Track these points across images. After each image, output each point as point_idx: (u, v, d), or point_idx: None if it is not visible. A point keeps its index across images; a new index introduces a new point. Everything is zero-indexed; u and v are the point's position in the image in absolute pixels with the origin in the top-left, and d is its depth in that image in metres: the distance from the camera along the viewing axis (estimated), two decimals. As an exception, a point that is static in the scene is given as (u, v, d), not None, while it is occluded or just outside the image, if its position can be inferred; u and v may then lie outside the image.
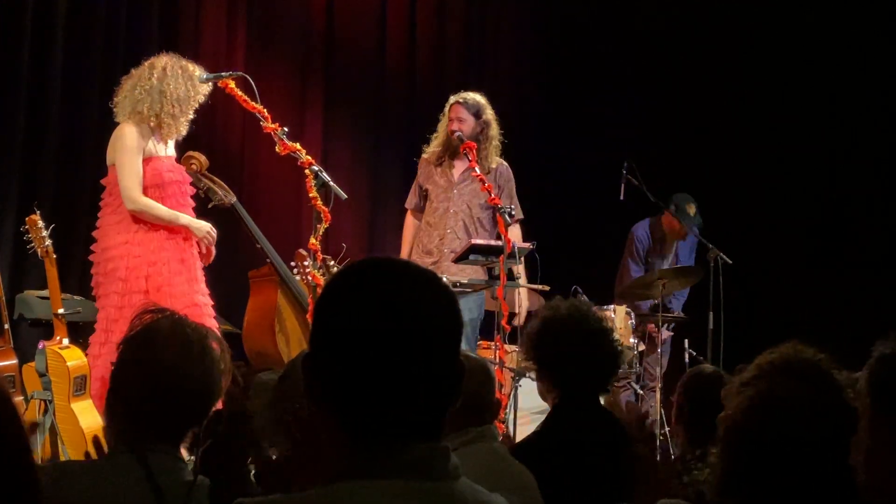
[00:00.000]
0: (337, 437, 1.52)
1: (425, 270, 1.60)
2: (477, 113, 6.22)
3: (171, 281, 5.17)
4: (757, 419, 1.92)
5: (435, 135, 6.41)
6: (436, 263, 6.06)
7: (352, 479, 1.47)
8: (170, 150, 5.36)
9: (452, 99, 6.32)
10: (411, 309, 1.51)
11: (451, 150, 6.25)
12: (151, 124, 5.21)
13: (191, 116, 5.33)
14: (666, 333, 7.31)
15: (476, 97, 6.30)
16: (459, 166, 6.27)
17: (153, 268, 5.14)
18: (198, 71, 5.35)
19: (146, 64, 5.30)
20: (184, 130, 5.35)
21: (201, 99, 5.37)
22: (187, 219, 5.32)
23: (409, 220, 6.56)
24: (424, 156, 6.45)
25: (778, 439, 1.89)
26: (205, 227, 5.37)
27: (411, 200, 6.54)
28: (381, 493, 1.46)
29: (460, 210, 6.23)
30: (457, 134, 6.12)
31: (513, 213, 5.62)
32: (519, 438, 5.43)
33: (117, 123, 5.28)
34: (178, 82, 5.21)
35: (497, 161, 6.28)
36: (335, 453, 1.53)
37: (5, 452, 1.16)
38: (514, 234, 6.20)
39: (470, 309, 5.96)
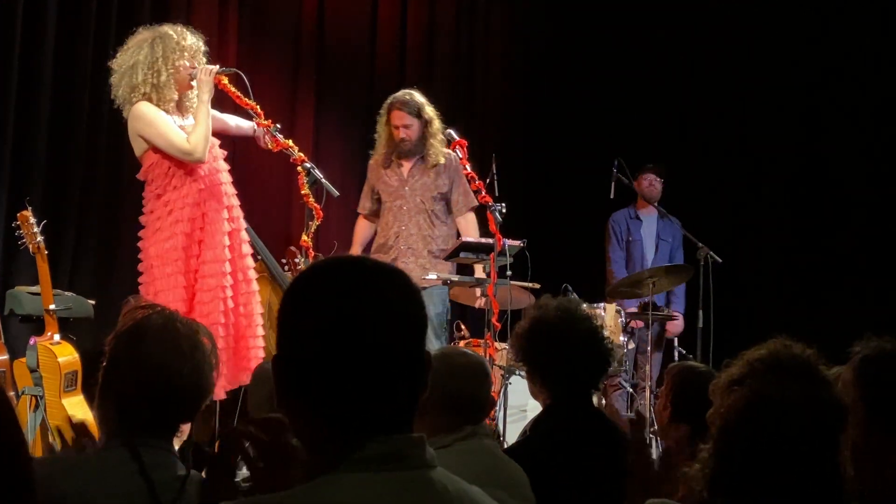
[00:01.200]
0: (312, 435, 1.54)
1: (387, 265, 1.63)
2: (419, 113, 6.18)
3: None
4: (751, 419, 1.93)
5: (376, 135, 6.38)
6: (394, 260, 6.03)
7: (331, 474, 1.49)
8: (188, 120, 5.13)
9: (391, 102, 6.26)
10: (375, 303, 1.53)
11: (398, 151, 6.26)
12: (152, 100, 5.00)
13: (181, 75, 5.04)
14: (677, 325, 7.36)
15: (414, 96, 6.24)
16: (407, 164, 6.28)
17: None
18: (167, 28, 5.10)
19: (129, 42, 5.12)
20: (176, 95, 5.06)
21: (186, 52, 5.07)
22: (207, 95, 5.04)
23: (362, 223, 6.57)
24: (371, 161, 6.44)
25: (771, 438, 1.90)
26: (207, 80, 5.06)
27: (364, 205, 6.52)
28: (360, 485, 1.47)
29: (414, 205, 6.24)
30: (406, 142, 6.17)
31: (503, 210, 5.60)
32: (508, 436, 5.46)
33: (120, 118, 5.19)
34: (139, 49, 4.98)
35: (444, 154, 6.23)
36: (311, 451, 1.55)
37: (1, 445, 1.17)
38: (470, 221, 6.27)
39: (434, 304, 6.00)
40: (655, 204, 7.62)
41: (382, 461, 1.50)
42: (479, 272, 6.01)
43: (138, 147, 5.05)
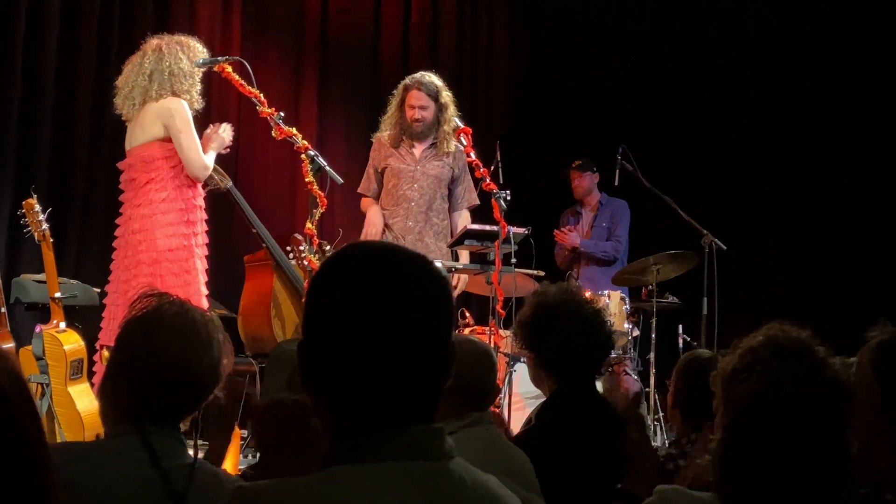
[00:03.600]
0: (333, 422, 1.53)
1: (415, 253, 1.61)
2: (436, 96, 6.06)
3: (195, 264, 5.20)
4: (761, 406, 1.94)
5: (386, 116, 6.25)
6: (397, 240, 5.94)
7: (349, 463, 1.48)
8: None
9: (409, 83, 6.13)
10: (404, 291, 1.52)
11: (409, 133, 6.12)
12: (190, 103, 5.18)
13: (199, 88, 5.27)
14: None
15: (433, 79, 6.12)
16: (419, 146, 6.16)
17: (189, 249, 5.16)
18: (192, 41, 5.30)
19: (138, 54, 5.25)
20: (198, 105, 5.27)
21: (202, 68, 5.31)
22: (216, 146, 5.34)
23: (373, 207, 6.27)
24: (376, 139, 6.29)
25: (782, 424, 1.91)
26: (222, 139, 5.38)
27: (369, 186, 6.32)
28: (379, 476, 1.46)
29: (426, 187, 6.12)
30: (419, 124, 6.05)
31: (508, 197, 5.60)
32: (513, 424, 5.47)
33: (116, 112, 5.26)
34: (179, 57, 5.16)
35: (454, 145, 6.13)
36: (332, 438, 1.53)
37: (21, 432, 1.18)
38: (465, 219, 6.21)
39: None
40: (599, 197, 7.73)
41: (403, 452, 1.49)
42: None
43: (152, 134, 5.12)
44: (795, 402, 1.91)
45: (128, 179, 5.21)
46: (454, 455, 1.55)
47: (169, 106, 5.10)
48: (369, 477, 1.46)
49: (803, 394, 1.92)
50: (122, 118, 5.25)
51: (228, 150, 5.46)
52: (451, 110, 6.09)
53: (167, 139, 5.12)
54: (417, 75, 6.16)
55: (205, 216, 5.29)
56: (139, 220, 5.11)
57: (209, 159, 5.21)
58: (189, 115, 5.12)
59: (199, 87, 5.26)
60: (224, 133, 5.40)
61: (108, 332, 5.09)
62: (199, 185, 5.22)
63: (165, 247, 5.04)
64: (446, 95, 6.09)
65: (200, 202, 5.23)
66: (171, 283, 4.94)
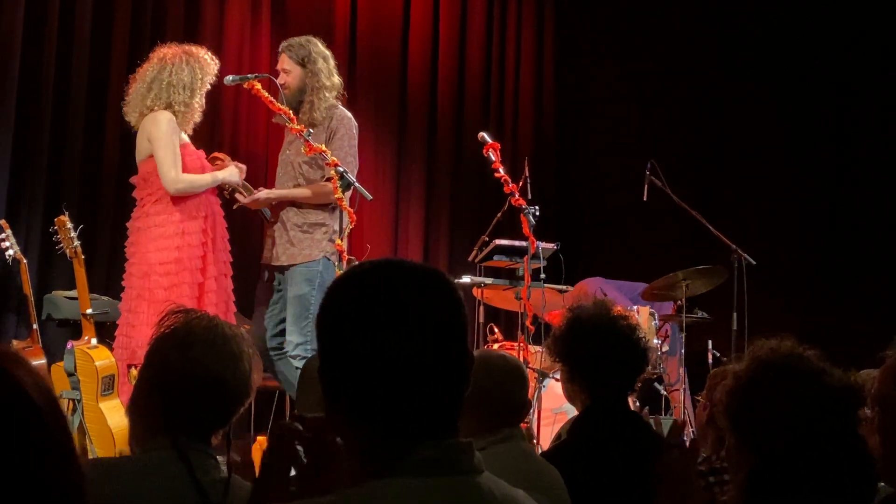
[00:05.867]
0: (360, 439, 1.53)
1: (426, 266, 1.61)
2: (303, 61, 5.56)
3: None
4: (765, 432, 1.96)
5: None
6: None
7: (379, 479, 1.48)
8: (185, 137, 5.31)
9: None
10: (416, 306, 1.52)
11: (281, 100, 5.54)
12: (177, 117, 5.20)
13: (201, 101, 5.28)
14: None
15: (302, 42, 5.61)
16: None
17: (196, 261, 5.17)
18: (201, 53, 5.30)
19: (148, 59, 5.29)
20: (198, 117, 5.32)
21: (210, 80, 5.32)
22: (222, 175, 5.35)
23: None
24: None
25: (791, 441, 1.93)
26: (235, 171, 5.41)
27: None
28: (409, 491, 1.47)
29: (293, 159, 5.67)
30: (284, 89, 5.55)
31: (537, 213, 5.57)
32: (542, 439, 5.46)
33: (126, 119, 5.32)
34: (181, 68, 5.17)
35: (331, 114, 5.57)
36: (358, 455, 1.54)
37: (52, 448, 1.18)
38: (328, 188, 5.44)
39: (296, 284, 5.48)
40: None
41: (431, 466, 1.49)
42: None
43: (145, 150, 5.19)
44: (796, 419, 1.93)
45: (134, 195, 5.28)
46: (482, 469, 1.56)
47: (151, 119, 5.15)
48: (399, 491, 1.47)
49: (804, 409, 1.94)
50: (132, 127, 5.29)
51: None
52: (323, 79, 5.55)
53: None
54: (293, 38, 5.72)
55: (208, 228, 5.25)
56: (135, 234, 5.18)
57: (186, 177, 5.14)
58: (166, 127, 5.11)
59: (200, 100, 5.26)
60: (232, 176, 5.40)
61: (119, 350, 5.14)
62: (202, 197, 5.21)
63: (157, 260, 5.07)
64: (320, 64, 5.56)
65: (203, 213, 5.20)
66: (160, 298, 4.95)
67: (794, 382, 2.01)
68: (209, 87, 5.35)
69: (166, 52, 5.25)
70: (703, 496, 3.15)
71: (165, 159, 5.10)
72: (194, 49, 5.30)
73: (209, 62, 5.30)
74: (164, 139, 5.11)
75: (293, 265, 5.49)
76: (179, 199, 5.14)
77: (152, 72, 5.18)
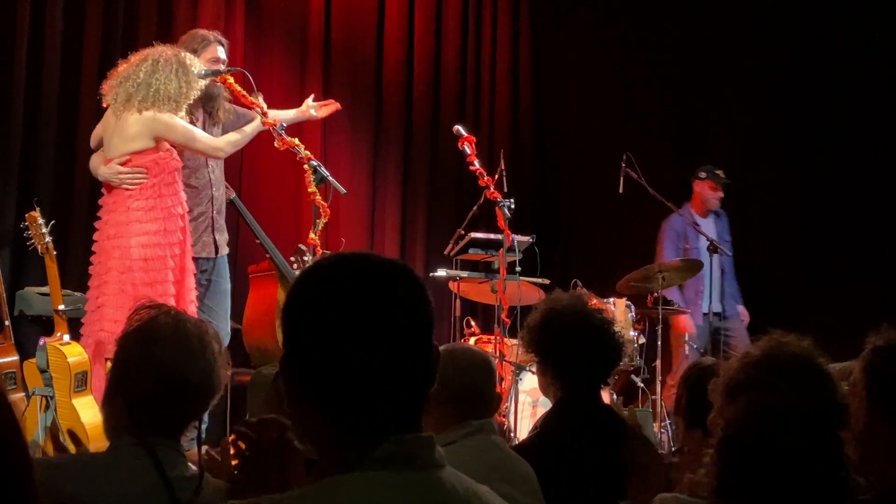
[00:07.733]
0: (322, 436, 1.53)
1: (392, 260, 1.60)
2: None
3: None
4: (751, 429, 1.95)
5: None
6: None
7: (340, 474, 1.48)
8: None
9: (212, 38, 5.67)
10: (382, 300, 1.52)
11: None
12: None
13: (183, 112, 5.24)
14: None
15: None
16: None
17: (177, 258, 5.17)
18: (197, 65, 5.28)
19: (141, 54, 5.24)
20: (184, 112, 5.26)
21: (195, 94, 5.28)
22: (250, 128, 5.48)
23: None
24: None
25: (773, 446, 1.92)
26: (258, 120, 5.44)
27: None
28: (370, 486, 1.46)
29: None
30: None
31: (512, 206, 5.56)
32: (519, 432, 5.46)
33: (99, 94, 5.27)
34: (170, 77, 5.12)
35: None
36: (321, 452, 1.54)
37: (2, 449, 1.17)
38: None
39: (227, 278, 5.68)
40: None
41: (392, 462, 1.48)
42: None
43: (136, 145, 5.12)
44: (785, 427, 1.92)
45: (108, 185, 5.21)
46: (444, 464, 1.55)
47: (163, 121, 5.11)
48: (360, 486, 1.47)
49: (792, 415, 1.93)
50: (102, 103, 5.23)
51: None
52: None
53: (151, 150, 5.12)
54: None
55: (185, 226, 5.24)
56: (115, 227, 5.12)
57: (221, 141, 5.38)
58: (171, 119, 5.13)
59: (181, 113, 5.21)
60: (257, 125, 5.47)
61: (86, 341, 5.12)
62: (181, 195, 5.20)
63: (139, 256, 5.04)
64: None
65: (180, 211, 5.18)
66: (141, 294, 4.92)
67: (789, 391, 2.00)
68: (192, 100, 5.29)
69: (161, 54, 5.19)
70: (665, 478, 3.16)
71: (197, 140, 5.25)
72: (188, 60, 5.24)
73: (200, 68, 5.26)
74: (178, 128, 5.17)
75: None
76: (164, 196, 5.11)
77: (143, 73, 5.13)
